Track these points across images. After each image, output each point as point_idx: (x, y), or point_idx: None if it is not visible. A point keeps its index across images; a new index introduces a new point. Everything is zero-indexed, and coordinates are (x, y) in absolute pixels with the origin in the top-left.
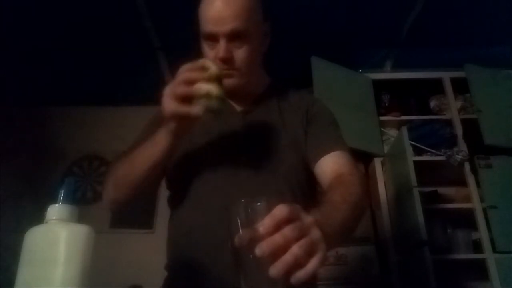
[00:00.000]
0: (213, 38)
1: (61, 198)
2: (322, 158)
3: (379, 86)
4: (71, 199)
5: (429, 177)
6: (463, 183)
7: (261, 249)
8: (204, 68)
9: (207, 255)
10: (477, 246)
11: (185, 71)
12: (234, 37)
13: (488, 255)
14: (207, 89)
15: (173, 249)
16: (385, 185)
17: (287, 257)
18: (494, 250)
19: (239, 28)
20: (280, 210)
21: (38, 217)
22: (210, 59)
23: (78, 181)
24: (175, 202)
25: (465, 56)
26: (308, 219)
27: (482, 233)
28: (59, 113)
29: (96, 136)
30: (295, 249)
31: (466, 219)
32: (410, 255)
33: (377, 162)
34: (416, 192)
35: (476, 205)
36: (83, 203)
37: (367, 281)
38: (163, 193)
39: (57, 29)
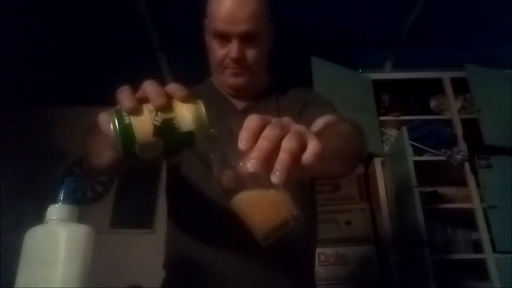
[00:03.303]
0: (224, 37)
1: (61, 198)
2: (314, 123)
3: (379, 86)
4: (71, 199)
5: (429, 177)
6: (463, 183)
7: (252, 164)
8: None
9: (207, 252)
10: (477, 246)
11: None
12: (246, 38)
13: (488, 255)
14: (122, 107)
15: (172, 247)
16: (385, 185)
17: (282, 156)
18: (494, 250)
19: (252, 29)
20: (250, 120)
21: (38, 217)
22: (219, 57)
23: (78, 181)
24: (174, 199)
25: (465, 56)
26: (283, 118)
27: (482, 233)
28: (59, 113)
29: None
30: (285, 144)
31: (466, 219)
32: (410, 255)
33: (377, 162)
34: (416, 192)
35: (476, 205)
36: (83, 203)
37: (367, 281)
38: (163, 193)
39: (57, 29)
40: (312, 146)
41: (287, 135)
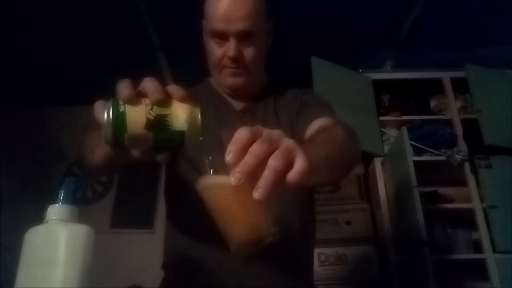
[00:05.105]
0: (222, 36)
1: (61, 198)
2: (310, 125)
3: (379, 86)
4: (71, 199)
5: (429, 177)
6: (463, 183)
7: (236, 177)
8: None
9: (205, 252)
10: (477, 246)
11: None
12: (244, 36)
13: (488, 255)
14: (120, 96)
15: (171, 247)
16: (385, 185)
17: (266, 173)
18: (494, 250)
19: (249, 28)
20: (240, 133)
21: (38, 217)
22: (217, 56)
23: (78, 181)
24: (172, 199)
25: (465, 56)
26: (274, 131)
27: (482, 233)
28: (59, 113)
29: None
30: (272, 162)
31: (466, 219)
32: (410, 255)
33: (377, 162)
34: (416, 192)
35: (476, 205)
36: (83, 203)
37: (367, 281)
38: (163, 193)
39: (57, 29)
40: (299, 164)
41: (274, 153)
